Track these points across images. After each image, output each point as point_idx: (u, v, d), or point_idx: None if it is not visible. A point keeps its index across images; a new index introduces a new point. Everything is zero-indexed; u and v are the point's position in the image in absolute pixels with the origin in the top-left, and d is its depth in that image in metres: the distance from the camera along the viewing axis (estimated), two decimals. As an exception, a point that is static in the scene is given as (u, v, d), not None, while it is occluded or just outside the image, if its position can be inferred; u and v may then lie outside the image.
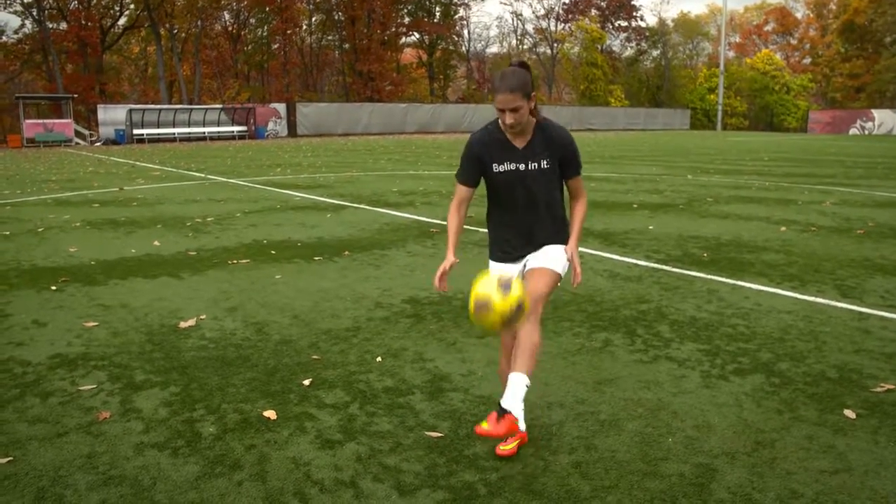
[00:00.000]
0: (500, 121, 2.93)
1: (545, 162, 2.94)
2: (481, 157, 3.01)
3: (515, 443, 3.12)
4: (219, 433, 3.33)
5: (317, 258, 7.32)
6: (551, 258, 3.05)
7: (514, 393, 2.81)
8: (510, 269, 3.13)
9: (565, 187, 3.16)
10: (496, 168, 2.97)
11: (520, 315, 2.76)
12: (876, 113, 60.47)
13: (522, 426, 3.11)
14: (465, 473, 2.94)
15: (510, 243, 3.14)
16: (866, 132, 59.79)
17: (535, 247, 3.12)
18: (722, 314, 5.21)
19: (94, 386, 3.91)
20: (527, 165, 2.94)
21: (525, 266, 3.14)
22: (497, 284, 2.73)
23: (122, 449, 3.17)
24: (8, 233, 9.09)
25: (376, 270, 6.74)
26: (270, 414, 3.52)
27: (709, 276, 6.41)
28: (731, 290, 5.94)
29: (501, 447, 3.09)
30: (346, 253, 7.59)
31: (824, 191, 13.68)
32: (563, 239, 3.11)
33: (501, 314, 2.71)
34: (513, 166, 2.95)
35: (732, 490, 2.80)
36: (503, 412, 2.78)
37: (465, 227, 3.86)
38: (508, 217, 3.09)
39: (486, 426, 2.79)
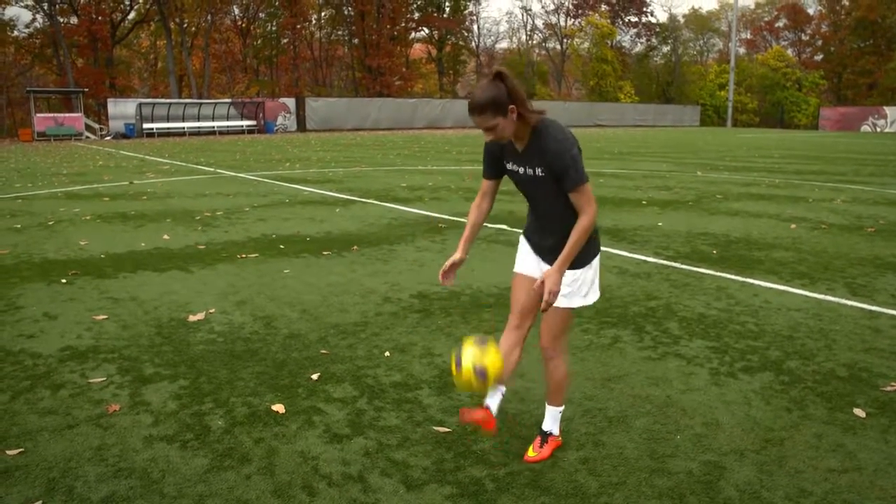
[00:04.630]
0: None
1: (539, 170, 2.75)
2: (493, 152, 2.93)
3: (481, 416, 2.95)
4: (227, 427, 3.34)
5: (325, 253, 7.33)
6: (561, 294, 2.88)
7: (554, 418, 3.11)
8: (530, 253, 3.04)
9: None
10: (507, 165, 2.89)
11: (479, 381, 2.65)
12: (888, 110, 59.95)
13: (494, 408, 3.05)
14: (473, 469, 2.95)
15: (530, 228, 3.05)
16: (878, 129, 59.31)
17: (544, 252, 2.96)
18: (731, 311, 5.19)
19: (104, 378, 3.93)
20: (524, 170, 2.80)
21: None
22: (469, 351, 2.66)
23: (132, 441, 3.19)
24: (19, 226, 9.15)
25: (385, 265, 6.75)
26: (279, 408, 3.53)
27: (718, 274, 6.38)
28: (740, 287, 5.92)
29: (466, 411, 2.92)
30: (355, 248, 7.59)
31: (835, 188, 13.59)
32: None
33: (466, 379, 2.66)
34: (516, 168, 2.84)
35: (741, 488, 2.79)
36: (546, 435, 3.09)
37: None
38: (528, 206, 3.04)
39: (532, 453, 3.01)
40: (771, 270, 6.50)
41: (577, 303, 2.92)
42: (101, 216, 9.93)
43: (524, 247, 3.09)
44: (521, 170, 2.82)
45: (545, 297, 2.70)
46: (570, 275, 2.88)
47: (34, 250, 7.54)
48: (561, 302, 2.89)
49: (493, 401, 2.87)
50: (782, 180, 15.14)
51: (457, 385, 2.70)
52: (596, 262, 2.96)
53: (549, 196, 2.80)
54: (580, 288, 2.92)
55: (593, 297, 2.98)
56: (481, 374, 2.62)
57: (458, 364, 2.65)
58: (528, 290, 2.96)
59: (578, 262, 2.87)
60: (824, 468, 2.95)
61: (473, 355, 2.63)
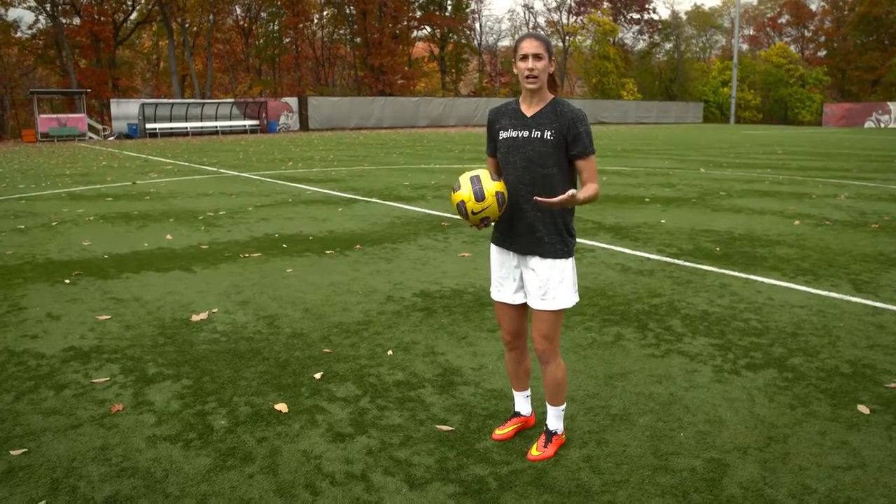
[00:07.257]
0: (519, 77, 2.86)
1: (549, 133, 2.82)
2: (493, 124, 3.01)
3: (512, 427, 3.23)
4: (230, 426, 3.34)
5: (328, 252, 7.33)
6: (549, 296, 2.91)
7: (558, 416, 3.10)
8: (504, 258, 3.03)
9: (570, 180, 2.93)
10: (502, 134, 2.94)
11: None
12: (892, 106, 59.76)
13: (528, 410, 3.31)
14: (476, 467, 2.95)
15: (499, 226, 3.02)
16: (882, 125, 59.14)
17: (518, 238, 2.93)
18: (734, 308, 5.18)
19: (108, 378, 3.94)
20: (530, 133, 2.85)
21: (523, 281, 3.01)
22: (470, 187, 2.84)
23: (135, 441, 3.20)
24: (23, 227, 9.17)
25: (387, 264, 6.75)
26: (282, 407, 3.53)
27: (721, 271, 6.37)
28: (743, 284, 5.90)
29: (498, 431, 3.21)
30: (358, 247, 7.60)
31: (839, 184, 13.55)
32: (550, 239, 2.88)
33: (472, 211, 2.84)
34: (516, 133, 2.89)
35: (745, 485, 2.79)
36: (551, 434, 3.08)
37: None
38: None
39: (535, 452, 3.01)
40: (774, 267, 6.49)
41: (566, 303, 2.93)
42: (104, 216, 9.95)
43: (497, 270, 3.08)
44: (526, 133, 2.87)
45: (560, 197, 2.69)
46: (557, 271, 2.90)
47: (37, 251, 7.56)
48: (550, 304, 2.92)
49: (524, 407, 3.27)
50: (786, 177, 15.10)
51: (470, 213, 2.83)
52: (573, 260, 2.98)
53: (546, 161, 2.84)
54: (566, 286, 2.92)
55: (576, 296, 2.99)
56: (501, 199, 2.83)
57: (480, 195, 2.80)
58: (511, 315, 3.10)
59: (564, 251, 2.91)
60: (828, 465, 2.94)
61: (493, 185, 2.82)
